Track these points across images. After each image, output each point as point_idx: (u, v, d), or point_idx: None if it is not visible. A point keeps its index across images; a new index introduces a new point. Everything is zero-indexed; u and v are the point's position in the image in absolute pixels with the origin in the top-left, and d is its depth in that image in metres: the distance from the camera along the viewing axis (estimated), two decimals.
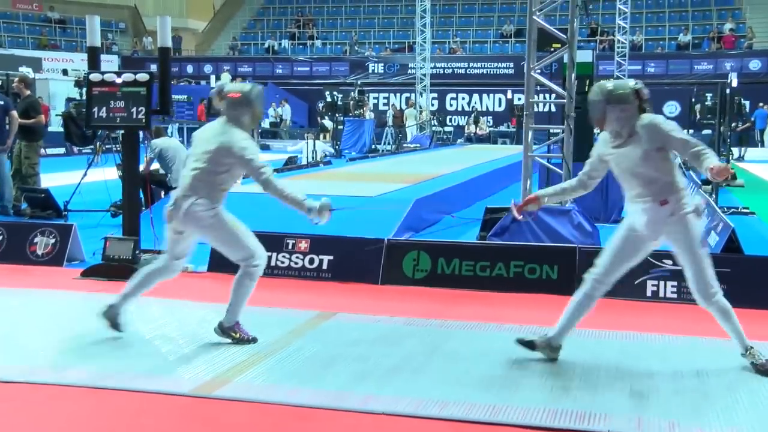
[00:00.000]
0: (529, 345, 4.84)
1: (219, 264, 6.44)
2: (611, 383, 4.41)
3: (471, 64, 32.34)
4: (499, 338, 5.24)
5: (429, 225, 10.03)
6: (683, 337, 5.30)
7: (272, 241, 6.90)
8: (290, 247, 7.13)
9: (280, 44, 36.30)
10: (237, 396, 4.13)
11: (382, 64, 33.74)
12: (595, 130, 6.10)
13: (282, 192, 4.76)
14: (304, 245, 7.10)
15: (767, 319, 5.70)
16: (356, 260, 6.94)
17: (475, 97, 31.49)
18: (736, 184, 15.64)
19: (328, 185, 11.58)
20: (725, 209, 11.59)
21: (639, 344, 5.19)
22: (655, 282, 6.30)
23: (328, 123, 26.36)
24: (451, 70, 32.26)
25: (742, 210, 11.77)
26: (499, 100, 31.13)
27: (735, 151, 24.11)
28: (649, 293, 6.31)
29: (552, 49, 10.02)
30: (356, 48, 35.11)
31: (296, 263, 7.08)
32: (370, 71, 33.46)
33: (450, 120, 31.32)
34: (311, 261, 7.07)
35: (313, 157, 18.88)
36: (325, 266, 7.00)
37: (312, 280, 6.96)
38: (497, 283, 6.61)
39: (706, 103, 23.64)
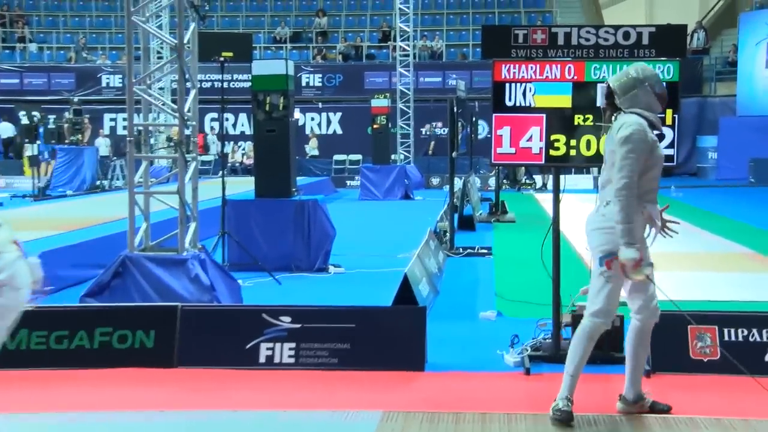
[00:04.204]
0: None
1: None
2: None
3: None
4: None
5: (74, 283, 9.83)
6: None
7: None
8: None
9: None
10: None
11: (120, 76, 32.91)
12: None
13: None
14: None
15: None
16: None
17: (242, 116, 31.68)
18: (506, 219, 16.60)
19: None
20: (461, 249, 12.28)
21: None
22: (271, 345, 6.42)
23: (29, 151, 24.44)
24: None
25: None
26: None
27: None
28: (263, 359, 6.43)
29: (221, 58, 10.30)
30: (84, 55, 34.29)
31: None
32: (104, 85, 32.79)
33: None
34: None
35: None
36: None
37: None
38: (78, 358, 6.46)
39: None
